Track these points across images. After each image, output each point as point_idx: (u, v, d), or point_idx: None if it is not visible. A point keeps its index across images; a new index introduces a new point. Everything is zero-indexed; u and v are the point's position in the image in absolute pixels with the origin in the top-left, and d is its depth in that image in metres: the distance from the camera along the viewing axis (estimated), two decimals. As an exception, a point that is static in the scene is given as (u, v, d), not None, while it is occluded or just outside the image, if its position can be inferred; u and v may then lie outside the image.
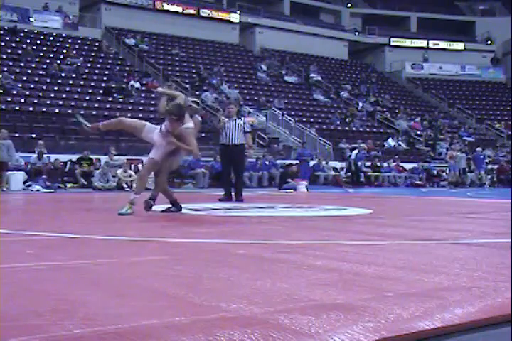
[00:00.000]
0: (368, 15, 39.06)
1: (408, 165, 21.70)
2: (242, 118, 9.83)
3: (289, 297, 2.28)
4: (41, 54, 23.67)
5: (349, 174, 19.60)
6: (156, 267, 3.01)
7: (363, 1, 40.26)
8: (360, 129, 26.10)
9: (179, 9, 30.67)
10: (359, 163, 19.43)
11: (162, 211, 6.61)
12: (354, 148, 20.23)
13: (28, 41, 24.37)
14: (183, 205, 6.82)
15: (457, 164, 19.87)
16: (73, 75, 22.51)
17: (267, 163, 18.41)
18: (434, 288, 2.51)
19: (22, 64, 22.34)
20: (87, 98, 21.05)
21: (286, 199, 9.95)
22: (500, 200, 11.11)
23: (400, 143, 25.55)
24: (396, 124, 27.46)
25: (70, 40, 25.96)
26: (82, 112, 19.51)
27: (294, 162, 18.66)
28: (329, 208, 7.82)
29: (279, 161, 19.18)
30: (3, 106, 18.05)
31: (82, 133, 6.91)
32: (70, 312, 1.98)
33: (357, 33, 37.35)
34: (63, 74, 22.23)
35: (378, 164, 20.86)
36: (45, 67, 22.31)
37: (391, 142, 25.02)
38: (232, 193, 9.42)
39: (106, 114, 20.23)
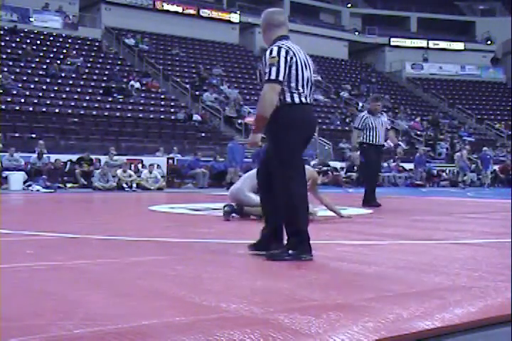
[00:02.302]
0: (367, 15, 39.00)
1: (408, 165, 21.66)
2: (384, 114, 8.85)
3: (289, 297, 2.28)
4: (41, 54, 23.62)
5: (349, 174, 19.58)
6: (156, 267, 3.01)
7: (363, 1, 40.20)
8: (360, 129, 26.06)
9: (179, 9, 30.63)
10: None
11: None
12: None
13: (28, 41, 24.33)
14: (183, 205, 6.81)
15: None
16: (73, 75, 22.48)
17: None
18: (434, 288, 2.51)
19: (22, 64, 22.30)
20: (87, 98, 21.02)
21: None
22: (500, 200, 11.11)
23: (400, 143, 25.51)
24: (396, 124, 27.44)
25: (70, 40, 25.91)
26: (81, 112, 19.57)
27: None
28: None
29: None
30: (3, 106, 18.02)
31: None
32: (70, 312, 1.97)
33: (357, 33, 37.28)
34: (63, 74, 22.20)
35: (378, 164, 20.84)
36: (45, 67, 22.27)
37: (391, 142, 24.99)
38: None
39: (106, 114, 20.24)
